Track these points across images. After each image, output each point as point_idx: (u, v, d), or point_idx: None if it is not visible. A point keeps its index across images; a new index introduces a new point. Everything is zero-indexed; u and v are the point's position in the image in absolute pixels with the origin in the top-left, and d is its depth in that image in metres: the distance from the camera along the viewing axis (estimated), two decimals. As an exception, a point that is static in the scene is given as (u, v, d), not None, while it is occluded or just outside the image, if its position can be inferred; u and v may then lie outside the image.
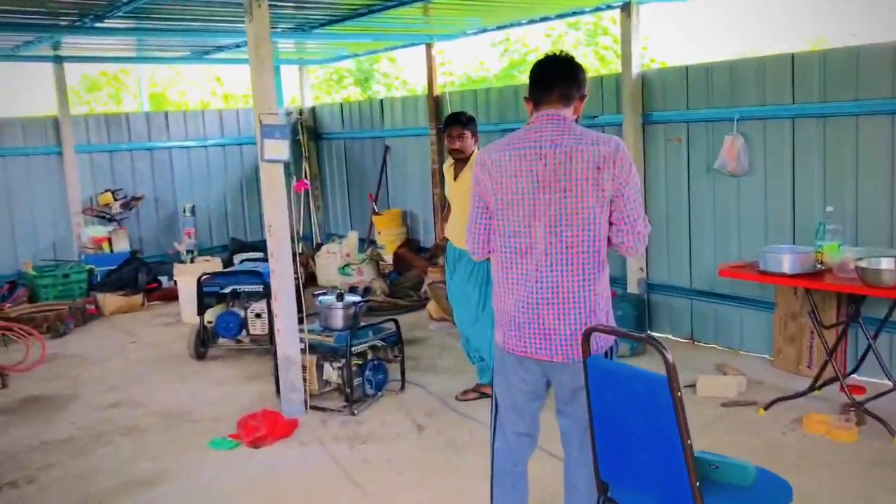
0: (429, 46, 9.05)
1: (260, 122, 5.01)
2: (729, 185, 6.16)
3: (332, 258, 9.34)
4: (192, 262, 8.52)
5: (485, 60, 16.89)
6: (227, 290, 6.73)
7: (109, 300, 8.60)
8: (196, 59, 9.96)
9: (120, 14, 6.46)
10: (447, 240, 5.36)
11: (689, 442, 2.44)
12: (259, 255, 8.80)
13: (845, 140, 5.43)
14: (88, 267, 8.87)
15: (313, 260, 9.68)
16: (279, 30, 7.81)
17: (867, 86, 5.27)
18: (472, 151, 5.15)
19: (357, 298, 5.63)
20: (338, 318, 5.44)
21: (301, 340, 5.26)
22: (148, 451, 4.84)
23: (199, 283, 6.73)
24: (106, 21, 6.76)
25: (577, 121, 3.01)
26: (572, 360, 2.91)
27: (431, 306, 7.67)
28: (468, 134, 5.14)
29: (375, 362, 5.44)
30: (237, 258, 9.21)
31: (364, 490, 4.16)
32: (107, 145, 9.74)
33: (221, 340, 6.72)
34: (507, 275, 3.00)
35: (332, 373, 5.34)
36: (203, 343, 6.72)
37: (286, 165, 5.22)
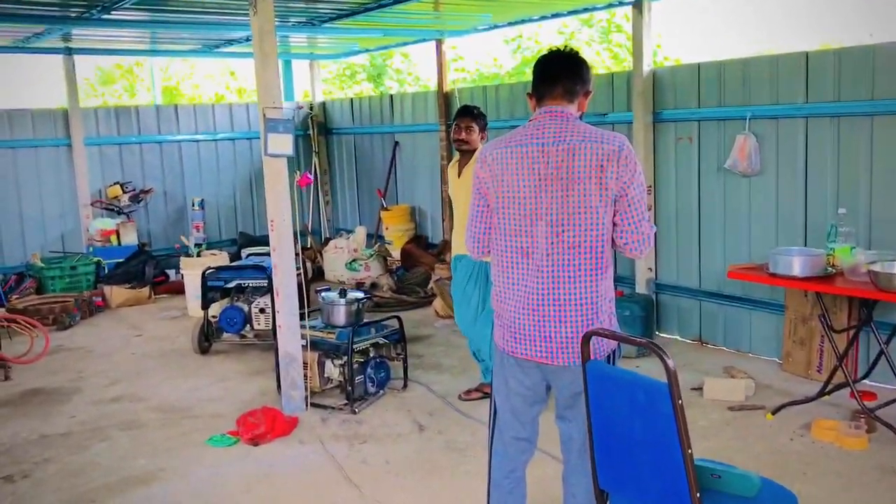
0: (439, 42, 8.98)
1: (264, 115, 4.96)
2: (740, 185, 6.06)
3: (339, 253, 9.30)
4: (198, 255, 8.47)
5: (498, 57, 16.79)
6: (232, 284, 6.69)
7: (116, 293, 8.58)
8: (206, 53, 9.93)
9: (128, 5, 6.43)
10: None
11: (689, 451, 2.36)
12: (266, 249, 8.73)
13: (860, 140, 5.32)
14: (96, 259, 8.85)
15: (321, 255, 9.65)
16: (290, 24, 7.76)
17: (883, 85, 5.16)
18: (478, 147, 5.08)
19: (360, 295, 5.57)
20: (340, 315, 5.39)
21: (302, 337, 5.20)
22: (146, 447, 4.79)
23: (204, 277, 6.69)
24: (114, 12, 6.73)
25: (581, 117, 2.93)
26: (573, 364, 2.83)
27: (438, 303, 7.61)
28: (476, 128, 5.08)
29: (377, 360, 5.38)
30: (245, 252, 9.16)
31: (361, 491, 4.10)
32: (116, 138, 9.71)
33: (225, 335, 6.68)
34: (507, 275, 2.93)
35: (333, 370, 5.29)
36: (207, 338, 6.68)
37: (290, 160, 5.15)
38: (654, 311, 6.59)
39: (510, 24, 8.46)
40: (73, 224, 9.41)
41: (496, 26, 8.59)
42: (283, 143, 4.97)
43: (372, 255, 9.08)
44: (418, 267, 8.77)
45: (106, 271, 8.84)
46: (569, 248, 2.80)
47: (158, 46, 9.71)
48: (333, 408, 5.22)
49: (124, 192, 9.43)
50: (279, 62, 5.63)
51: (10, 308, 7.79)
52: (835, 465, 4.20)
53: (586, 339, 2.62)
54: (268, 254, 7.81)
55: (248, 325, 6.61)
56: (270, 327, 6.44)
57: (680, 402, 2.32)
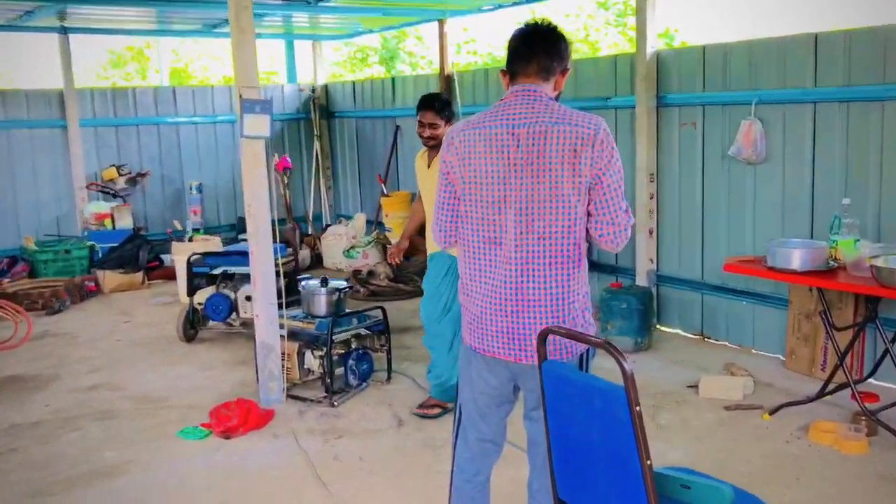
0: (441, 22, 8.73)
1: (240, 96, 4.76)
2: (745, 173, 5.78)
3: (338, 240, 9.11)
4: (190, 240, 8.31)
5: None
6: (218, 271, 6.51)
7: (109, 278, 8.44)
8: (206, 33, 9.74)
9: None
10: None
11: (648, 462, 2.14)
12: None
13: (870, 126, 5.03)
14: (90, 243, 8.71)
15: (320, 241, 9.46)
16: (281, 1, 7.53)
17: (895, 68, 4.86)
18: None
19: (342, 284, 5.36)
20: (321, 305, 5.20)
21: (280, 326, 5.01)
22: (116, 438, 4.63)
23: (189, 264, 6.51)
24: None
25: (557, 98, 2.70)
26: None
27: (433, 293, 7.38)
28: (441, 123, 4.67)
29: (360, 352, 5.19)
30: (242, 237, 8.99)
31: (328, 489, 3.91)
32: (113, 119, 9.56)
33: (211, 323, 6.51)
34: (474, 266, 2.71)
35: (313, 361, 5.10)
36: (192, 325, 6.52)
37: (268, 143, 4.94)
38: (654, 304, 6.33)
39: (516, 3, 8.18)
40: (68, 207, 9.28)
41: (501, 6, 8.33)
42: (260, 125, 4.76)
43: (370, 243, 8.88)
44: (417, 255, 8.54)
45: (100, 255, 8.70)
46: (539, 239, 2.58)
47: (157, 26, 9.53)
48: (312, 400, 5.03)
49: (120, 175, 9.28)
50: (257, 41, 5.33)
51: (1, 293, 7.67)
52: (830, 471, 3.96)
53: (542, 337, 2.40)
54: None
55: (235, 313, 6.44)
56: (256, 315, 6.26)
57: (638, 408, 2.11)
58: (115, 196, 9.25)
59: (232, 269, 6.42)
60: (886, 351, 4.36)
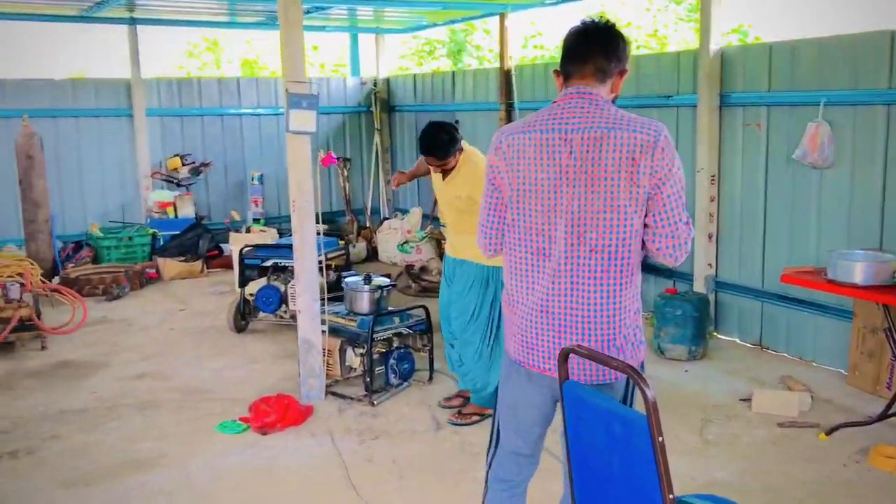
0: (502, 16, 8.58)
1: (287, 91, 4.72)
2: (811, 178, 5.50)
3: (393, 234, 9.08)
4: (247, 231, 8.38)
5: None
6: (268, 263, 6.53)
7: (170, 265, 8.58)
8: (270, 26, 9.79)
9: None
10: None
11: (671, 497, 2.00)
12: (319, 228, 8.59)
13: (948, 132, 4.72)
14: (151, 231, 8.88)
15: (377, 234, 9.45)
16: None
17: (977, 70, 4.55)
18: (457, 165, 4.52)
19: (385, 282, 5.29)
20: (363, 302, 5.14)
21: (323, 322, 4.98)
22: (155, 429, 4.67)
23: (241, 255, 6.55)
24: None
25: (614, 101, 2.53)
26: (588, 381, 2.48)
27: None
28: (449, 160, 4.44)
29: (401, 350, 5.11)
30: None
31: (358, 493, 3.85)
32: (178, 109, 9.72)
33: (262, 314, 6.53)
34: (520, 277, 2.57)
35: (354, 359, 5.05)
36: (243, 316, 6.56)
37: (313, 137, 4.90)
38: (710, 312, 6.09)
39: (579, -2, 8.01)
40: (132, 195, 9.48)
41: (564, 0, 8.14)
42: (305, 120, 4.74)
43: (424, 238, 8.81)
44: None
45: (161, 243, 8.86)
46: (590, 252, 2.43)
47: (222, 18, 9.63)
48: (352, 398, 4.99)
49: (184, 165, 9.43)
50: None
51: (64, 277, 7.87)
52: (891, 500, 3.72)
53: (563, 356, 2.27)
54: (320, 233, 7.68)
55: (285, 305, 6.45)
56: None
57: (660, 439, 1.97)
58: (178, 185, 9.41)
59: (283, 262, 6.42)
60: (956, 373, 4.09)
